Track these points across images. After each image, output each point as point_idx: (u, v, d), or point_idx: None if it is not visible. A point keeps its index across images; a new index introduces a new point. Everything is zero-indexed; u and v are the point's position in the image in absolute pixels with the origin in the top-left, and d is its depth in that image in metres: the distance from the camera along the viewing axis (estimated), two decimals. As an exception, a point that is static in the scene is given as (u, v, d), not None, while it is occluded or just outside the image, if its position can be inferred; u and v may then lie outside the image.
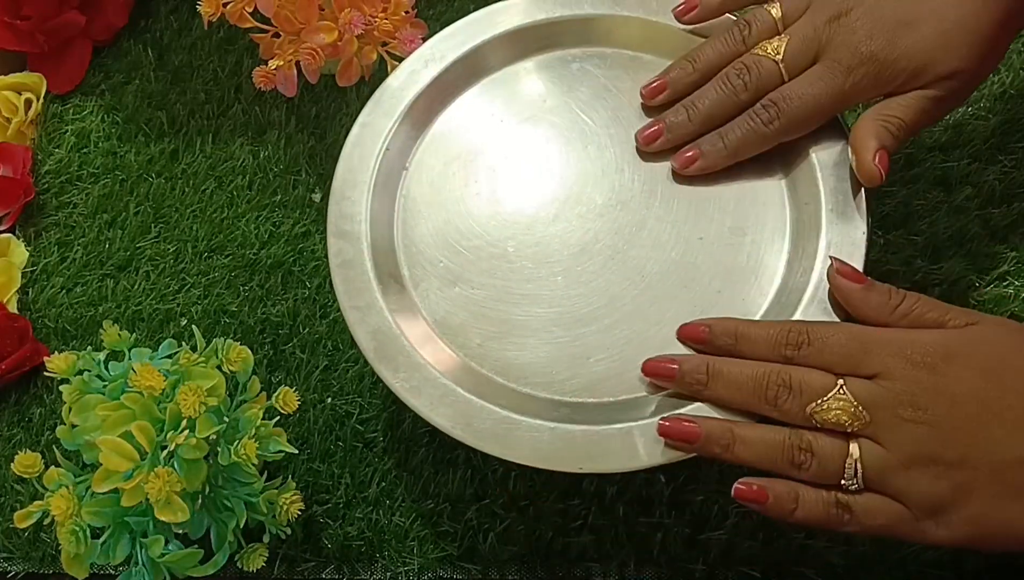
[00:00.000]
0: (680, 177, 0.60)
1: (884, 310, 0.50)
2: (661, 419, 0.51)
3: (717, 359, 0.52)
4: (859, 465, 0.47)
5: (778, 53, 0.57)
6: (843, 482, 0.48)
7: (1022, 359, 0.47)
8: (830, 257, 0.54)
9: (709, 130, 0.59)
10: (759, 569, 0.61)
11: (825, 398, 0.48)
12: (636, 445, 0.52)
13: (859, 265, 0.54)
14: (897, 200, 0.69)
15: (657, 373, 0.53)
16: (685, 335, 0.54)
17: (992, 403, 0.46)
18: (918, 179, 0.69)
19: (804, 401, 0.48)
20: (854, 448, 0.48)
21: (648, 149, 0.60)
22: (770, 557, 0.61)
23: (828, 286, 0.54)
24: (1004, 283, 0.66)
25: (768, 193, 0.59)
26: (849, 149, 0.56)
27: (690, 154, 0.59)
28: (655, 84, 0.61)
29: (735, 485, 0.49)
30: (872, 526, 0.48)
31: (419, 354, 0.56)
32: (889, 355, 0.48)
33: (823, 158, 0.58)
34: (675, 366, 0.52)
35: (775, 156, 0.59)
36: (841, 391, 0.48)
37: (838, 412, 0.48)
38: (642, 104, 0.62)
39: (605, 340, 0.56)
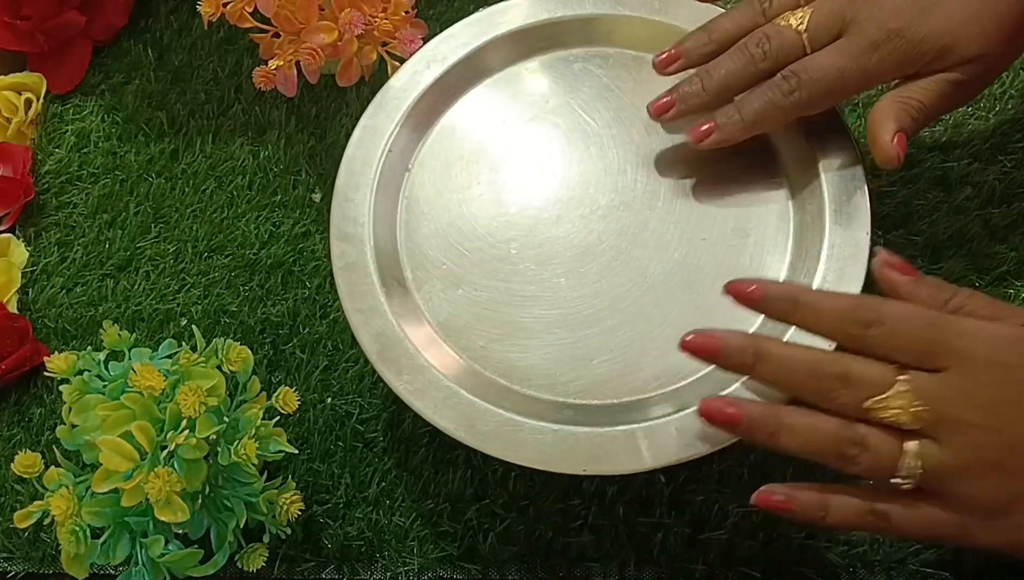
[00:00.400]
0: (683, 177, 0.60)
1: (934, 305, 0.47)
2: (702, 400, 0.48)
3: (765, 341, 0.47)
4: (915, 464, 0.44)
5: (801, 24, 0.55)
6: (897, 480, 0.44)
7: None
8: (878, 248, 0.50)
9: (724, 102, 0.57)
10: (759, 569, 0.61)
11: (885, 395, 0.44)
12: (639, 447, 0.52)
13: (862, 267, 0.54)
14: (897, 200, 0.69)
15: (701, 349, 0.47)
16: (734, 292, 0.48)
17: None
18: (918, 179, 0.69)
19: (861, 396, 0.44)
20: (911, 446, 0.44)
21: (660, 120, 0.58)
22: (770, 557, 0.61)
23: (830, 287, 0.54)
24: (1004, 284, 0.66)
25: (771, 194, 0.59)
26: (867, 132, 0.55)
27: (705, 128, 0.56)
28: (668, 54, 0.58)
29: (756, 495, 0.47)
30: (911, 530, 0.45)
31: (422, 357, 0.56)
32: (964, 348, 0.44)
33: (826, 158, 0.58)
34: (719, 340, 0.47)
35: (778, 156, 0.59)
36: (904, 388, 0.44)
37: (897, 411, 0.44)
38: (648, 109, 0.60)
39: (608, 341, 0.56)
